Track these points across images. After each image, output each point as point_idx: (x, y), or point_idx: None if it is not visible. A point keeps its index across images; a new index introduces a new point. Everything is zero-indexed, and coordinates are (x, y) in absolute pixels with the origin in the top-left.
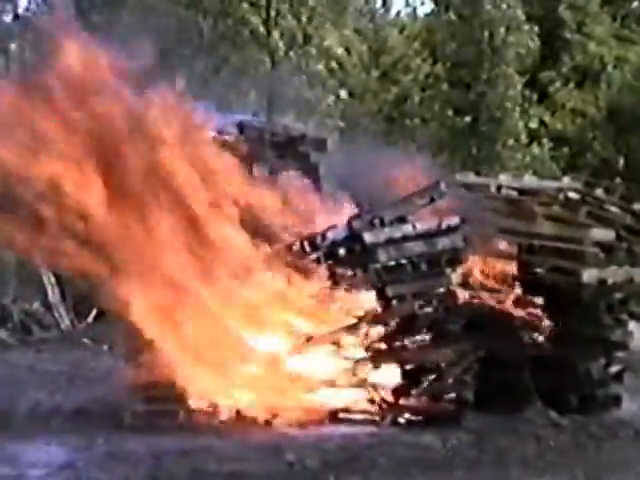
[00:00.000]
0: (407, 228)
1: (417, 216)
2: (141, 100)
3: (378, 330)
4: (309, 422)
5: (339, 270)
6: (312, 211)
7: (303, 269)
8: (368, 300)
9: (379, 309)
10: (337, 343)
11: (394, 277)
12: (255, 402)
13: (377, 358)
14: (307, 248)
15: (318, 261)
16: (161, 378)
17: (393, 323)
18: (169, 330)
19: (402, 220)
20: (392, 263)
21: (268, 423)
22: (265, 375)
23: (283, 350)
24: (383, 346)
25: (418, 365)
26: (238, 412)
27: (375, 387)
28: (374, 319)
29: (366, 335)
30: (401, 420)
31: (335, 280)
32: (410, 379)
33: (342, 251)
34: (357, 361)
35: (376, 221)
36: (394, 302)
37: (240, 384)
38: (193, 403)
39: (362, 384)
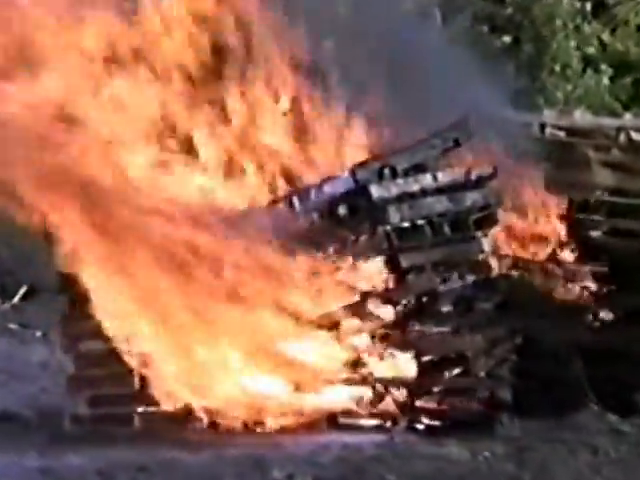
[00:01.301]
0: (426, 179)
1: (438, 164)
2: None
3: (388, 311)
4: (301, 428)
5: (338, 234)
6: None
7: (291, 233)
8: (376, 273)
9: (390, 284)
10: (335, 327)
11: (409, 243)
12: (233, 401)
13: (387, 347)
14: (297, 205)
15: (311, 223)
16: (111, 370)
17: (406, 302)
18: (127, 295)
19: (419, 169)
20: (407, 225)
21: (249, 429)
22: (246, 367)
23: (267, 335)
24: (394, 331)
25: (439, 355)
26: (212, 414)
27: (385, 384)
28: (383, 297)
29: (373, 317)
30: (418, 426)
31: (333, 247)
32: (429, 373)
33: (343, 209)
34: (361, 350)
35: (386, 170)
36: (409, 275)
37: (214, 377)
38: (153, 404)
39: (368, 380)
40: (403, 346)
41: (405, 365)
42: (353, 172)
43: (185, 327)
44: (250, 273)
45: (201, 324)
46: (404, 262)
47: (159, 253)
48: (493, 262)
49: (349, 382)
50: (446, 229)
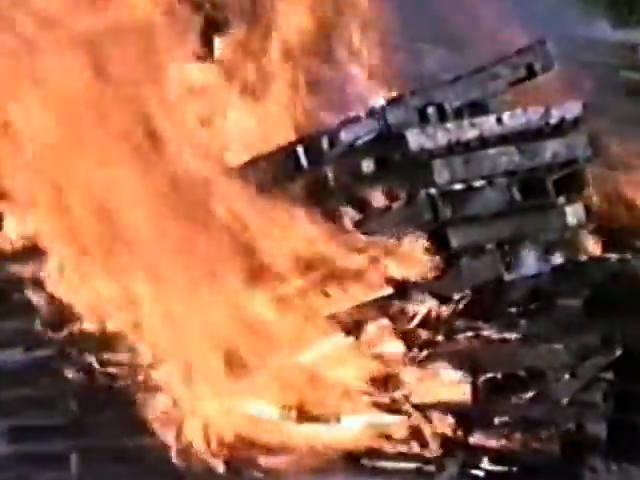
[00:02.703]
0: (486, 123)
1: (504, 102)
2: None
3: (431, 308)
4: (308, 471)
5: (361, 199)
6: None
7: (296, 199)
8: (414, 255)
9: (434, 271)
10: (357, 330)
11: (462, 213)
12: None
13: (429, 359)
14: (302, 158)
15: (323, 184)
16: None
17: (459, 296)
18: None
19: (477, 109)
20: (459, 187)
21: (236, 472)
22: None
23: (262, 338)
24: (439, 337)
25: (504, 372)
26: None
27: (425, 411)
28: (425, 289)
29: (409, 318)
30: (474, 472)
31: (353, 219)
32: (489, 397)
33: (368, 165)
34: (393, 363)
35: (430, 110)
36: (462, 258)
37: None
38: None
39: (401, 405)
40: (452, 358)
41: (455, 385)
42: (383, 112)
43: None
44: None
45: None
46: (455, 240)
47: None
48: (582, 241)
49: (375, 407)
50: (515, 193)
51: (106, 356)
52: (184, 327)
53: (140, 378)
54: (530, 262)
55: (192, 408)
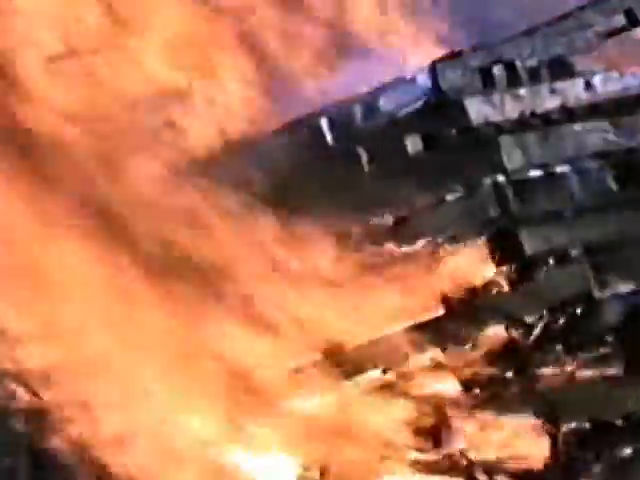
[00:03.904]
0: (572, 88)
1: (594, 61)
2: None
3: (497, 334)
4: None
5: (402, 188)
6: None
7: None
8: (473, 265)
9: (501, 283)
10: (398, 364)
11: (539, 209)
12: None
13: (493, 402)
14: (328, 133)
15: (354, 167)
16: None
17: (535, 319)
18: None
19: (559, 68)
20: (535, 174)
21: None
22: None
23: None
24: (509, 374)
25: (594, 421)
26: None
27: (489, 473)
28: (488, 310)
29: (468, 347)
30: None
31: (390, 213)
32: (574, 454)
33: (414, 142)
34: (446, 408)
35: (497, 70)
36: (539, 269)
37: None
38: None
39: (457, 463)
40: (526, 402)
41: (529, 437)
42: (433, 71)
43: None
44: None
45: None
46: (529, 244)
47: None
48: None
49: (422, 466)
50: (609, 182)
51: None
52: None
53: None
54: (630, 275)
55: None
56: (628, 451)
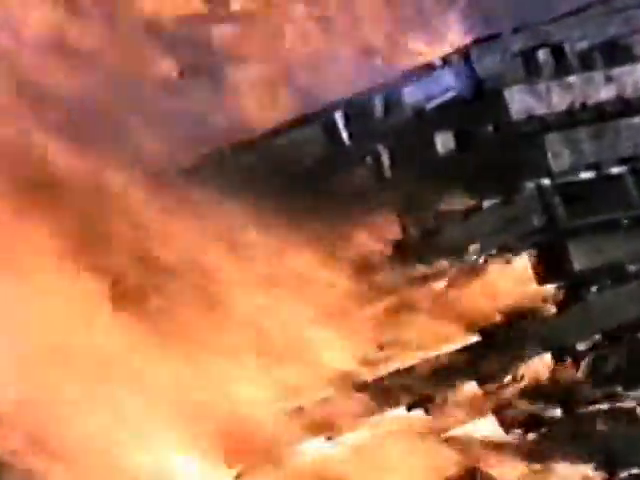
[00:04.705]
0: (631, 75)
1: None
2: None
3: (544, 365)
4: None
5: (432, 196)
6: None
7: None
8: (513, 283)
9: (547, 308)
10: (427, 401)
11: (591, 217)
12: None
13: (539, 445)
14: (343, 133)
15: (374, 170)
16: None
17: (587, 347)
18: None
19: (616, 52)
20: (586, 176)
21: None
22: None
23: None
24: (556, 412)
25: None
26: None
27: None
28: (533, 336)
29: (508, 380)
30: None
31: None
32: None
33: (445, 140)
34: (481, 452)
35: (542, 54)
36: (591, 289)
37: None
38: None
39: None
40: (577, 445)
41: None
42: (467, 57)
43: None
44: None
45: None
46: (579, 259)
47: None
48: None
49: None
50: None
51: None
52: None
53: None
54: None
55: None
56: None
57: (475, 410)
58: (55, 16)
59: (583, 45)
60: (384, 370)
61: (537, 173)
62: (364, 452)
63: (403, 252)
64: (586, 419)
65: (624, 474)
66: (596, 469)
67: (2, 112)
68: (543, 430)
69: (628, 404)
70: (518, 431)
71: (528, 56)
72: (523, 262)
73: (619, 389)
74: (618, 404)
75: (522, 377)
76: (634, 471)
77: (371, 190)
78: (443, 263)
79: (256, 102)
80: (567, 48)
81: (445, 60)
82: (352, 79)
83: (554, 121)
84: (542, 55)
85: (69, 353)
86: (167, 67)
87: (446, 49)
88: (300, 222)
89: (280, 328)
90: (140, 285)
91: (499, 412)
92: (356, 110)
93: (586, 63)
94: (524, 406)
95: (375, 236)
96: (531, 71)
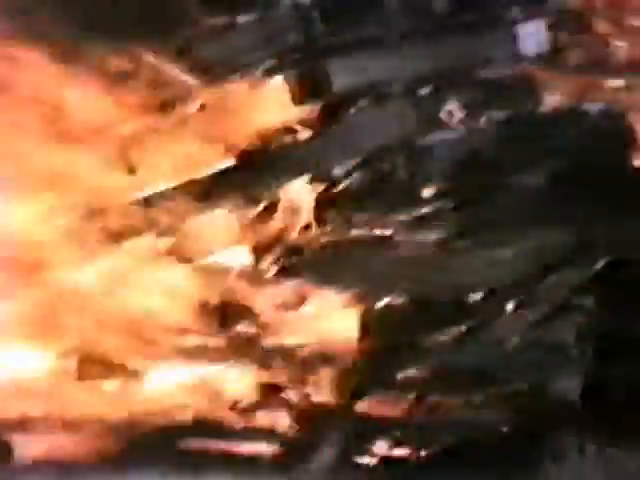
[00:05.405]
0: None
1: None
2: None
3: (299, 190)
4: (96, 458)
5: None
6: None
7: None
8: (267, 104)
9: (304, 130)
10: (171, 230)
11: (351, 34)
12: None
13: (292, 274)
14: None
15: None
16: None
17: (345, 170)
18: None
19: None
20: None
21: None
22: None
23: None
24: (311, 237)
25: (414, 295)
26: None
27: (289, 359)
28: (285, 159)
29: (260, 208)
30: (361, 459)
31: None
32: (390, 336)
33: None
34: (229, 280)
35: None
36: (351, 109)
37: None
38: None
39: (249, 349)
40: (330, 273)
41: (334, 316)
42: None
43: None
44: None
45: None
46: (338, 79)
47: None
48: (542, 82)
49: (205, 354)
50: (437, 2)
51: None
52: None
53: None
54: (457, 115)
55: None
56: (455, 331)
57: (228, 237)
58: None
59: None
60: (131, 196)
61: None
62: (115, 277)
63: (156, 74)
64: (342, 247)
65: (380, 303)
66: (350, 298)
67: None
68: (297, 258)
69: (387, 231)
70: (271, 258)
71: None
72: (280, 82)
73: (375, 215)
74: (374, 231)
75: (279, 201)
76: (389, 298)
77: None
78: (195, 82)
79: None
80: None
81: None
82: None
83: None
84: None
85: None
86: None
87: None
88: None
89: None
90: None
91: (251, 239)
92: None
93: None
94: (278, 233)
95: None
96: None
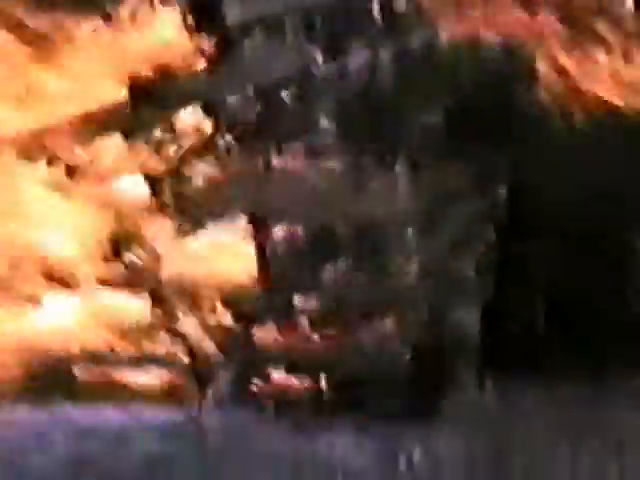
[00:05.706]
0: None
1: None
2: None
3: (197, 123)
4: None
5: None
6: None
7: None
8: (161, 36)
9: (197, 62)
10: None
11: None
12: None
13: (185, 204)
14: None
15: None
16: None
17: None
18: None
19: None
20: None
21: None
22: None
23: None
24: (208, 169)
25: (310, 224)
26: None
27: (183, 289)
28: (182, 89)
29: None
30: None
31: None
32: (278, 259)
33: None
34: (128, 211)
35: None
36: (245, 42)
37: None
38: None
39: (144, 279)
40: (227, 200)
41: (233, 248)
42: None
43: None
44: None
45: None
46: (232, 12)
47: None
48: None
49: (101, 282)
50: None
51: None
52: None
53: None
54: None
55: None
56: (351, 261)
57: (121, 166)
58: None
59: None
60: (24, 128)
61: None
62: (6, 207)
63: None
64: (238, 176)
65: (274, 231)
66: (244, 226)
67: None
68: (192, 188)
69: (277, 160)
70: (165, 190)
71: None
72: (173, 12)
73: (268, 144)
74: (269, 160)
75: (172, 130)
76: (284, 227)
77: None
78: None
79: None
80: None
81: None
82: None
83: None
84: None
85: None
86: None
87: None
88: None
89: None
90: None
91: (147, 169)
92: None
93: None
94: (174, 161)
95: None
96: None
